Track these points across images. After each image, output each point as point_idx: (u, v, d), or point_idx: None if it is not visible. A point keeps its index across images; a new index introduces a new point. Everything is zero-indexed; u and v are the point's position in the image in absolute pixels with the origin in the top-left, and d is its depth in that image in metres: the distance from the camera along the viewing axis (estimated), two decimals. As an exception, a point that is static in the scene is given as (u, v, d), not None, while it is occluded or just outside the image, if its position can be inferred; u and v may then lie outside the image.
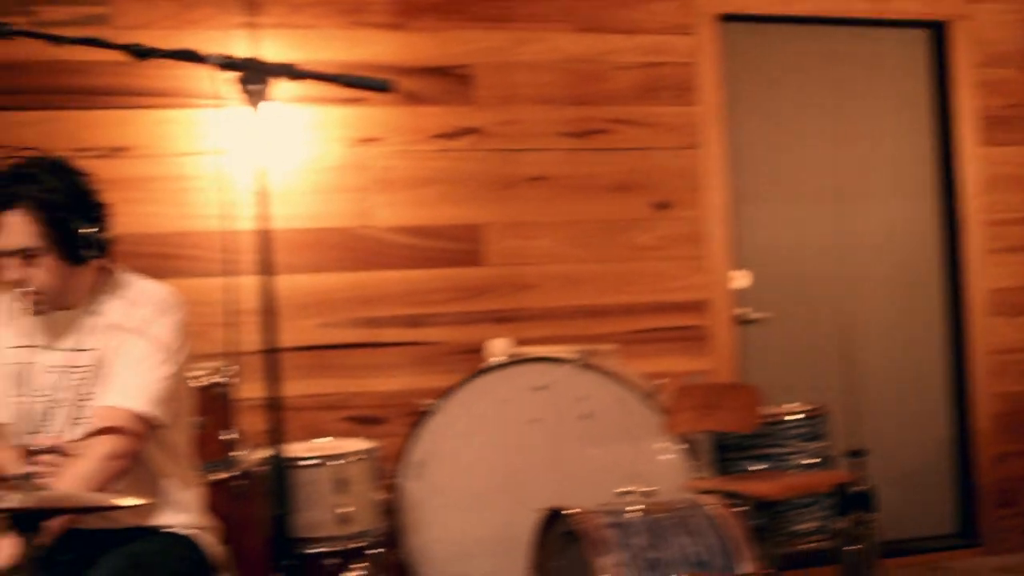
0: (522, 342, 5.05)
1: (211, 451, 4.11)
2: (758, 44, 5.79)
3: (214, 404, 4.19)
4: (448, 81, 5.24)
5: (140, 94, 4.93)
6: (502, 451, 4.81)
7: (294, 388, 4.87)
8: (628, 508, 4.04)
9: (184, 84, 4.92)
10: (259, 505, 4.29)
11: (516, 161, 5.30)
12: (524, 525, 4.30)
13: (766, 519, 4.64)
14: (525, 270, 5.30)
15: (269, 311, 2.64)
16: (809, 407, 4.94)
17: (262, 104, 2.65)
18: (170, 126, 4.95)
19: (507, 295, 5.28)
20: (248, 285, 4.80)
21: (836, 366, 5.41)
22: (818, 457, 4.89)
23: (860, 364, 5.26)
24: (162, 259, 4.83)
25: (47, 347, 3.34)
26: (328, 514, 4.40)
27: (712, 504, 4.12)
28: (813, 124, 5.88)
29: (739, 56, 5.71)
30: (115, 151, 4.85)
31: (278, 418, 2.65)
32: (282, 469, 2.60)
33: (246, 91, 2.64)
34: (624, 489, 4.15)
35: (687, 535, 3.95)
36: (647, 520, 4.00)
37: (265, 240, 2.67)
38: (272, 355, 2.66)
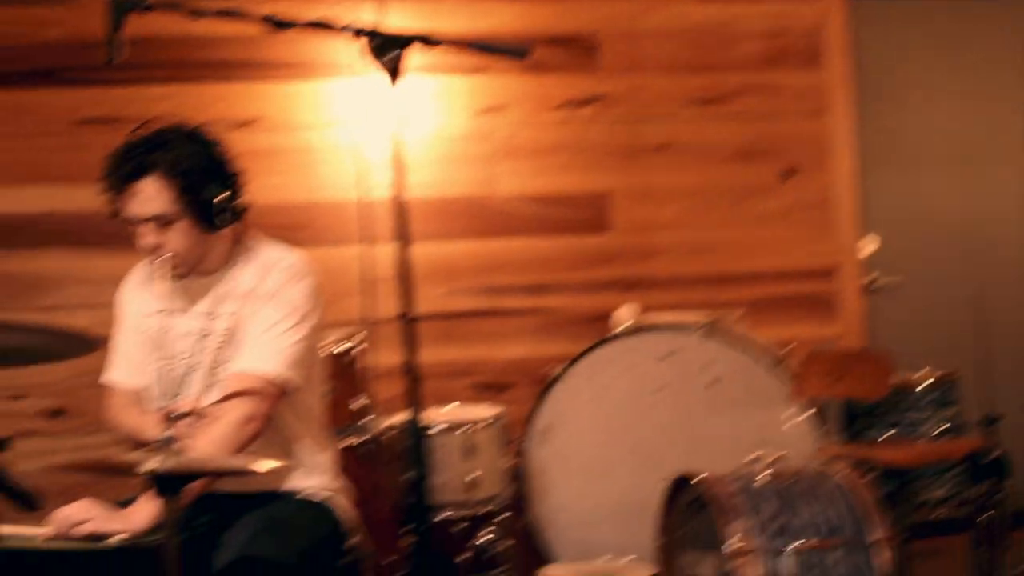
0: (647, 309, 5.03)
1: (341, 417, 4.16)
2: (885, 7, 5.70)
3: (344, 371, 4.24)
4: (573, 49, 5.23)
5: (269, 66, 4.99)
6: (628, 418, 4.81)
7: (422, 355, 4.89)
8: (757, 475, 4.02)
9: (313, 56, 4.97)
10: (387, 471, 4.35)
11: (641, 129, 5.28)
12: (650, 492, 4.30)
13: (896, 487, 4.59)
14: (651, 237, 5.28)
15: (405, 279, 2.66)
16: (939, 373, 4.87)
17: (398, 74, 2.67)
18: (298, 98, 5.00)
19: (632, 262, 5.27)
20: (377, 254, 4.92)
21: (967, 331, 5.31)
22: (949, 424, 4.83)
23: (992, 329, 5.16)
24: (290, 230, 4.87)
25: (183, 313, 3.41)
26: (456, 480, 4.44)
27: (841, 471, 4.09)
28: (942, 87, 5.78)
29: (866, 20, 5.62)
30: (244, 123, 4.92)
31: (415, 385, 2.68)
32: (419, 435, 2.63)
33: (382, 61, 2.67)
34: (752, 456, 4.13)
35: (817, 502, 3.93)
36: (776, 487, 3.97)
37: (401, 209, 2.69)
38: (409, 322, 2.69)
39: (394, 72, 2.67)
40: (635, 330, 4.82)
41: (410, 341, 2.68)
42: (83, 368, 4.60)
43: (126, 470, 2.99)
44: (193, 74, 4.95)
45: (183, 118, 3.41)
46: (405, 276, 2.67)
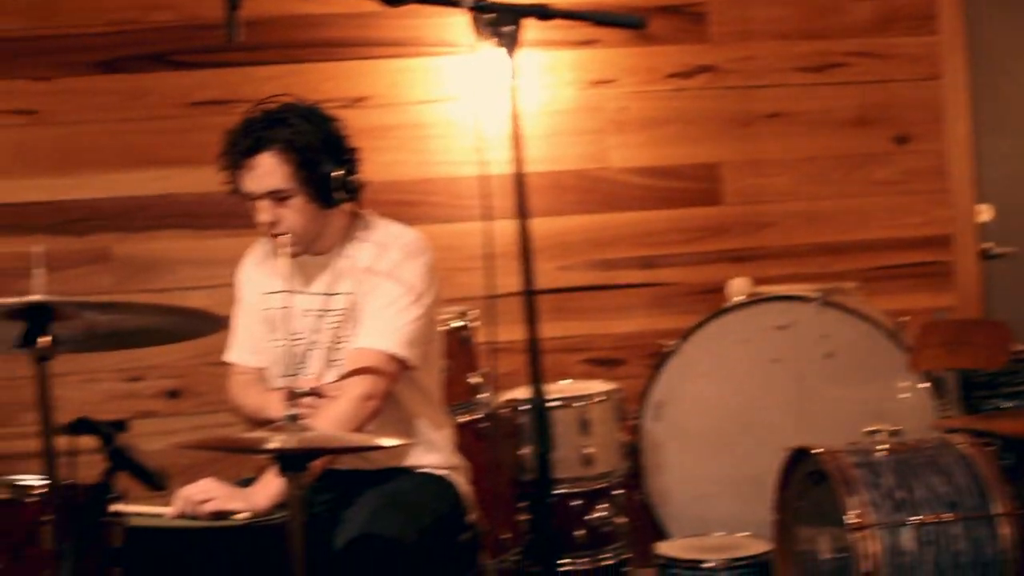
0: (761, 281, 4.98)
1: (456, 393, 4.16)
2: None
3: (459, 347, 4.25)
4: (681, 19, 5.18)
5: (379, 44, 4.99)
6: (743, 391, 4.77)
7: (544, 331, 4.88)
8: (876, 447, 3.97)
9: (422, 33, 4.97)
10: (503, 447, 4.35)
11: (752, 98, 5.21)
12: (767, 466, 4.25)
13: (1016, 459, 4.51)
14: (763, 208, 5.22)
15: (526, 255, 2.65)
16: (1059, 342, 4.78)
17: (515, 47, 2.66)
18: (409, 74, 5.01)
19: (745, 234, 5.21)
20: (491, 230, 4.91)
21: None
22: (1071, 394, 4.74)
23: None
24: (401, 207, 4.89)
25: (302, 291, 3.43)
26: (570, 456, 4.43)
27: (962, 443, 4.02)
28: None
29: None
30: (355, 101, 4.93)
31: (537, 360, 2.67)
32: (541, 411, 2.63)
33: (498, 34, 2.65)
34: (871, 428, 4.08)
35: (937, 474, 3.87)
36: (895, 459, 3.92)
37: (521, 184, 2.68)
38: (530, 297, 2.68)
39: (511, 45, 2.65)
40: (750, 302, 4.77)
41: (531, 316, 2.66)
42: (200, 349, 4.62)
43: (246, 449, 3.04)
44: (303, 54, 4.97)
45: (298, 97, 3.43)
46: (526, 252, 2.66)
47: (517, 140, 2.72)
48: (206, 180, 4.73)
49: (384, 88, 5.00)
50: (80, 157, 4.92)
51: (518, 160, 2.73)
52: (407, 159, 5.01)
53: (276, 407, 3.29)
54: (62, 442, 2.67)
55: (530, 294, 2.68)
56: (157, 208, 4.94)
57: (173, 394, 4.95)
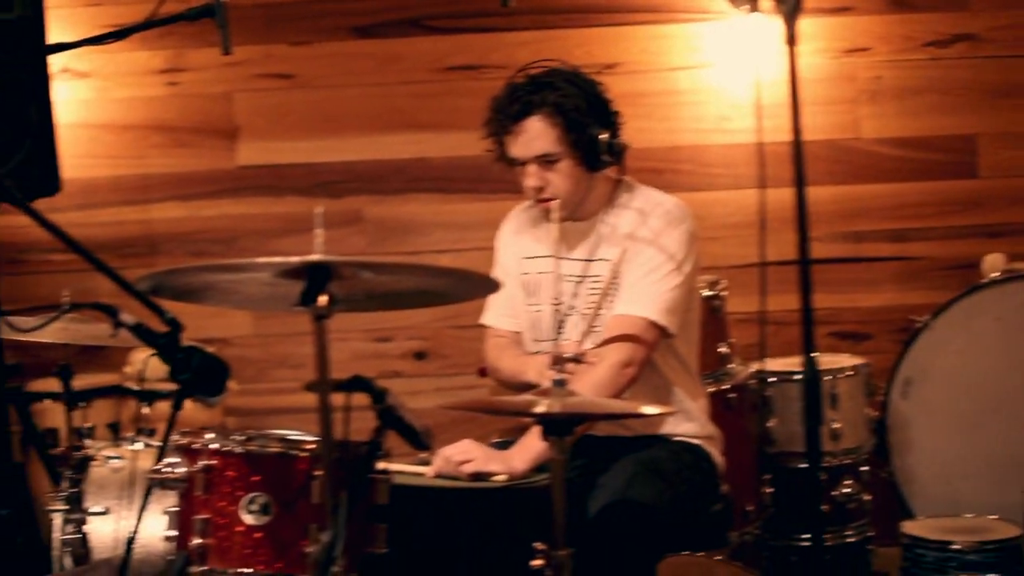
0: (1016, 257, 4.82)
1: (705, 364, 4.13)
2: None
3: (709, 317, 4.22)
4: (940, -15, 5.05)
5: (633, 11, 4.97)
6: (998, 371, 4.63)
7: (781, 303, 4.82)
8: None
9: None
10: (749, 418, 4.31)
11: (1014, 68, 5.03)
12: (1019, 448, 4.14)
13: None
14: (1021, 182, 5.05)
15: (801, 223, 2.61)
16: None
17: (797, 13, 2.61)
18: (662, 41, 4.97)
19: (1002, 208, 5.03)
20: (738, 199, 4.88)
21: None
22: None
23: None
24: (648, 174, 4.85)
25: (562, 257, 3.43)
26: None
27: None
28: None
29: None
30: (607, 68, 4.92)
31: (810, 331, 2.63)
32: (814, 383, 2.58)
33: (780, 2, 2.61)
34: None
35: None
36: None
37: (798, 152, 2.63)
38: (804, 267, 2.64)
39: (793, 12, 2.60)
40: (1006, 279, 4.62)
41: (805, 287, 2.63)
42: (447, 311, 4.73)
43: (511, 412, 3.06)
44: (556, 20, 4.97)
45: (561, 60, 3.44)
46: (802, 221, 2.62)
47: (796, 107, 2.67)
48: (458, 144, 4.87)
49: (636, 54, 4.97)
50: (335, 121, 5.02)
51: (796, 128, 2.68)
52: (655, 126, 4.98)
53: (533, 371, 3.33)
54: (334, 399, 2.72)
55: (805, 263, 2.64)
56: (410, 172, 5.01)
57: (420, 355, 5.02)
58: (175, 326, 2.86)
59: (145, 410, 4.14)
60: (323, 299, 2.52)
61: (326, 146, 5.01)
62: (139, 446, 3.68)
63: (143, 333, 2.88)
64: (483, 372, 3.82)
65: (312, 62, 5.02)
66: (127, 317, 2.94)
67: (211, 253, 4.94)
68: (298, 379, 4.45)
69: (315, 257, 2.51)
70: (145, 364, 3.93)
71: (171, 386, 3.00)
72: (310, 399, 3.58)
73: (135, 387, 4.21)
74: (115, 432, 4.38)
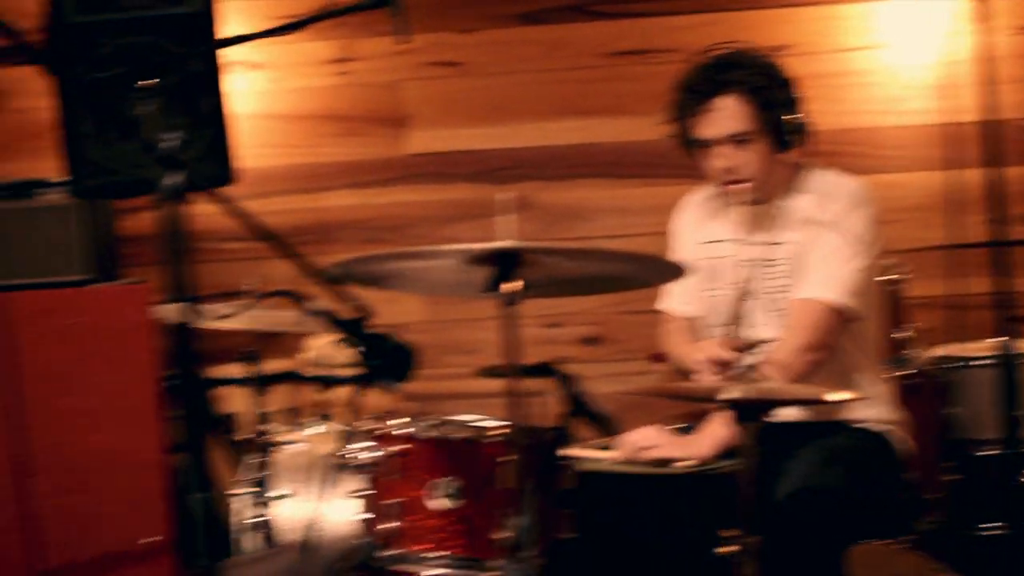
0: None
1: (885, 349, 4.07)
2: None
3: (888, 301, 4.15)
4: None
5: (802, -8, 4.93)
6: None
7: (969, 286, 4.73)
8: None
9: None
10: (930, 404, 4.23)
11: None
12: None
13: None
14: None
15: (996, 204, 2.56)
16: None
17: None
18: (833, 22, 4.90)
19: None
20: (913, 181, 4.78)
21: None
22: None
23: None
24: (822, 156, 4.80)
25: (743, 240, 3.40)
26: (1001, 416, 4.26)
27: None
28: None
29: None
30: (776, 49, 4.84)
31: (1006, 315, 2.58)
32: (1011, 367, 2.53)
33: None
34: None
35: None
36: None
37: (991, 131, 2.58)
38: (998, 249, 2.58)
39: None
40: None
41: (1000, 269, 2.57)
42: (619, 297, 4.71)
43: (700, 398, 3.04)
44: (722, 3, 4.93)
45: (746, 42, 3.41)
46: (997, 201, 2.56)
47: (987, 87, 2.61)
48: (626, 129, 4.85)
49: (807, 36, 4.91)
50: (503, 108, 5.04)
51: (989, 107, 2.62)
52: (826, 108, 4.84)
53: (695, 358, 3.29)
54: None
55: (1000, 245, 2.58)
56: (577, 158, 5.01)
57: (590, 341, 5.02)
58: (365, 313, 2.89)
59: (323, 395, 4.19)
60: (515, 285, 2.52)
61: (494, 133, 5.03)
62: (320, 430, 3.73)
63: (335, 320, 2.91)
64: (657, 358, 3.80)
65: (479, 50, 5.05)
66: (319, 304, 2.99)
67: (383, 240, 4.99)
68: (470, 365, 4.53)
69: (508, 243, 2.52)
70: (322, 350, 3.98)
71: (350, 372, 3.04)
72: (482, 385, 3.61)
73: (312, 373, 4.26)
74: (293, 417, 4.44)
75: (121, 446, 3.03)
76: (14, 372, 2.94)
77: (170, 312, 2.68)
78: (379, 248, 4.80)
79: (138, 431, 3.05)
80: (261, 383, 4.01)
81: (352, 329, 2.89)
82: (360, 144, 5.04)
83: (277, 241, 2.95)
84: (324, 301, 3.03)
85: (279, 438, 3.71)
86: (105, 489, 2.98)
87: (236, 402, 4.39)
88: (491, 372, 3.68)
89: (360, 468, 2.88)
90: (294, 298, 3.08)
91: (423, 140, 5.05)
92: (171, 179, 2.58)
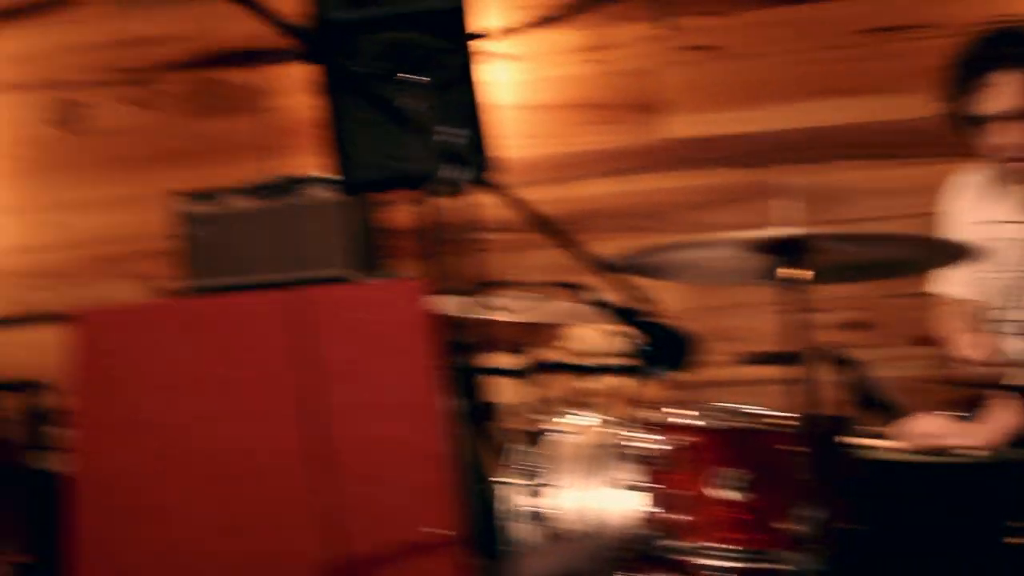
0: None
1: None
2: None
3: None
4: None
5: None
6: None
7: None
8: None
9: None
10: None
11: None
12: None
13: None
14: None
15: None
16: None
17: None
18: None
19: None
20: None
21: None
22: None
23: None
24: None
25: (1018, 221, 3.30)
26: None
27: None
28: None
29: None
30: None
31: None
32: None
33: None
34: None
35: None
36: None
37: None
38: None
39: None
40: None
41: None
42: (886, 283, 4.61)
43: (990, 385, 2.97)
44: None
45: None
46: None
47: None
48: (885, 108, 4.73)
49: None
50: (759, 90, 4.97)
51: None
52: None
53: (968, 347, 3.21)
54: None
55: None
56: (834, 139, 4.90)
57: (858, 326, 4.93)
58: (647, 302, 2.90)
59: (591, 385, 4.21)
60: (805, 273, 2.50)
61: (750, 116, 4.96)
62: (593, 420, 3.74)
63: (618, 310, 2.93)
64: (929, 341, 3.73)
65: (732, 32, 4.98)
66: (601, 295, 3.01)
67: (641, 228, 4.98)
68: (731, 353, 4.49)
69: (795, 231, 2.50)
70: (590, 339, 3.99)
71: (620, 361, 3.04)
72: (746, 372, 3.58)
73: (579, 362, 4.28)
74: (564, 407, 4.47)
75: (406, 438, 3.10)
76: (310, 366, 3.03)
77: (446, 304, 2.72)
78: (639, 236, 4.80)
79: (420, 423, 3.12)
80: (532, 372, 4.04)
81: (635, 319, 2.90)
82: (617, 131, 5.03)
83: (554, 230, 2.97)
84: (601, 291, 3.04)
85: (551, 427, 3.74)
86: (394, 481, 3.05)
87: (506, 392, 4.45)
88: (766, 359, 3.64)
89: (642, 458, 2.89)
90: (572, 288, 3.10)
91: (679, 125, 5.02)
92: (451, 172, 2.62)
